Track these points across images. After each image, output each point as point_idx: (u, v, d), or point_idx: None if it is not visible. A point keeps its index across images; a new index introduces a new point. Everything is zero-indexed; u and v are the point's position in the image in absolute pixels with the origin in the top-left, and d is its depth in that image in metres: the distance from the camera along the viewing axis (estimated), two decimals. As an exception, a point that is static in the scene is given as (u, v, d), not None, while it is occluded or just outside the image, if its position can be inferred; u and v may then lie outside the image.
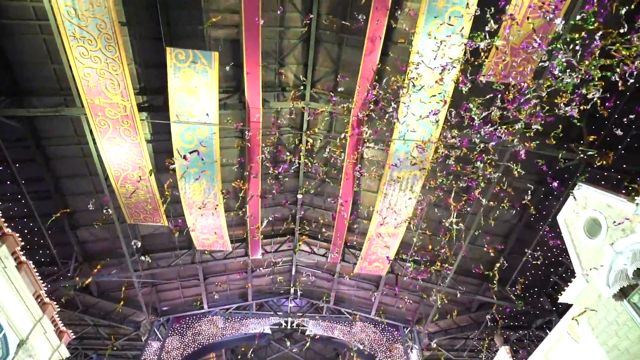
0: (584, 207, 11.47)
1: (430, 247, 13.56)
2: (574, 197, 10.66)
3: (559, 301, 13.40)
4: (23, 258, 13.45)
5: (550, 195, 14.89)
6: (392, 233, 15.99)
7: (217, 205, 14.91)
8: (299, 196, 15.72)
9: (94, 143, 13.14)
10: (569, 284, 12.45)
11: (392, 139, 12.67)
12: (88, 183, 15.30)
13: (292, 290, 23.09)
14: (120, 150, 12.92)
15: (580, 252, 12.11)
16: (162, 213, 14.95)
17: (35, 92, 12.83)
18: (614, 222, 10.68)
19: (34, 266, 13.98)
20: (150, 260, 16.56)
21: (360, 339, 21.70)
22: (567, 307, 13.45)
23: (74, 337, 16.50)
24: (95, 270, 16.33)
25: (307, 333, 21.70)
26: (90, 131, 12.80)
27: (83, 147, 14.17)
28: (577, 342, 13.02)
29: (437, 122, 12.16)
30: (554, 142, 10.53)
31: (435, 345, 21.53)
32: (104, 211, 13.80)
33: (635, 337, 10.47)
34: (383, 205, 15.00)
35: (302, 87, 14.22)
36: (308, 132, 15.07)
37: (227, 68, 12.78)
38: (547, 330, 14.91)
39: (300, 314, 22.72)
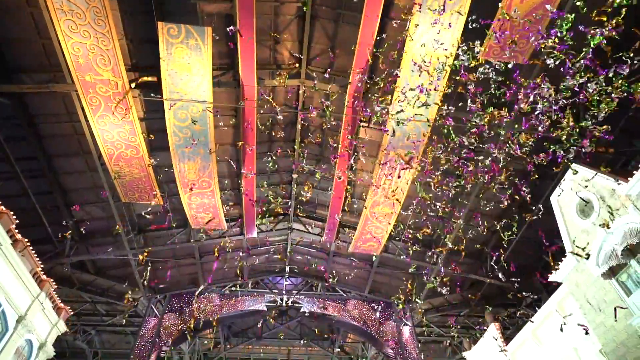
0: (578, 187, 11.55)
1: (428, 229, 13.56)
2: (574, 171, 10.69)
3: (549, 280, 13.68)
4: (19, 236, 13.46)
5: (544, 176, 14.97)
6: (386, 213, 16.10)
7: (212, 184, 14.88)
8: (294, 176, 15.69)
9: (86, 121, 12.97)
10: (559, 263, 12.65)
11: (388, 117, 12.56)
12: (81, 161, 15.17)
13: (286, 269, 23.40)
14: (113, 128, 12.77)
15: (572, 232, 12.26)
16: (157, 192, 14.91)
17: (24, 68, 12.54)
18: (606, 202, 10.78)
19: (29, 244, 14.02)
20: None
21: (354, 316, 22.15)
22: (557, 285, 13.75)
23: (72, 313, 16.74)
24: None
25: (301, 310, 22.10)
26: (82, 109, 12.61)
27: (75, 125, 13.97)
28: (564, 320, 13.37)
29: (433, 99, 12.03)
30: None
31: (426, 321, 22.04)
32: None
33: (621, 314, 10.74)
34: (378, 185, 15.04)
35: (297, 65, 13.98)
36: (303, 111, 14.92)
37: (221, 45, 12.51)
38: (537, 308, 15.28)
39: (295, 292, 23.09)
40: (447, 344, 20.02)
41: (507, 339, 17.12)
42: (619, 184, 10.57)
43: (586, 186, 11.38)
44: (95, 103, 12.18)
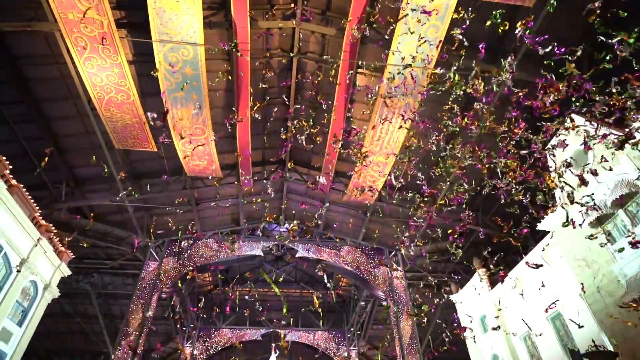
0: (573, 137, 11.51)
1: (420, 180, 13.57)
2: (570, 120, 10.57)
3: (537, 228, 14.07)
4: (14, 181, 13.44)
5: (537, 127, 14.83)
6: (381, 162, 16.12)
7: (206, 131, 14.67)
8: (289, 124, 15.45)
9: (73, 63, 12.43)
10: (548, 212, 12.90)
11: (386, 64, 12.15)
12: (71, 106, 14.77)
13: (282, 216, 23.86)
14: (101, 71, 12.29)
15: (564, 182, 12.36)
16: (150, 138, 14.71)
17: (2, 5, 11.76)
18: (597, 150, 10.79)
19: (25, 190, 14.05)
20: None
21: (348, 262, 22.97)
22: (544, 233, 14.18)
23: (73, 256, 17.20)
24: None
25: (297, 256, 22.83)
26: (68, 50, 12.03)
27: (62, 68, 13.42)
28: (550, 266, 13.95)
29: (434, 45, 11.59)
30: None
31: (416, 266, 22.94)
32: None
33: (604, 260, 11.19)
34: (374, 134, 14.91)
35: (292, 5, 13.23)
36: (299, 56, 14.37)
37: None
38: (523, 255, 15.87)
39: (291, 238, 23.69)
40: (436, 287, 20.95)
41: (493, 283, 17.99)
42: (614, 132, 10.52)
43: (582, 136, 11.32)
44: (81, 44, 11.60)
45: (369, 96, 13.88)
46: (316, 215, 18.85)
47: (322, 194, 20.01)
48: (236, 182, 19.29)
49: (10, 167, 13.21)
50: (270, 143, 17.61)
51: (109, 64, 12.11)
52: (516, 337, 15.90)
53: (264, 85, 13.61)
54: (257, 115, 12.84)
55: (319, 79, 14.57)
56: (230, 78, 13.62)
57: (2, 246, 13.29)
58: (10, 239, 13.44)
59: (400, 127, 13.52)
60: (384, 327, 27.88)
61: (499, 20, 8.23)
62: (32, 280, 14.94)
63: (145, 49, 12.86)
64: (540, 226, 13.86)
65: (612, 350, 10.61)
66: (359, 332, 31.19)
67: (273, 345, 29.69)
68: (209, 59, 13.38)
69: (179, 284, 22.05)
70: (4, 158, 13.03)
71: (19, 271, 13.78)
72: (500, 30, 8.72)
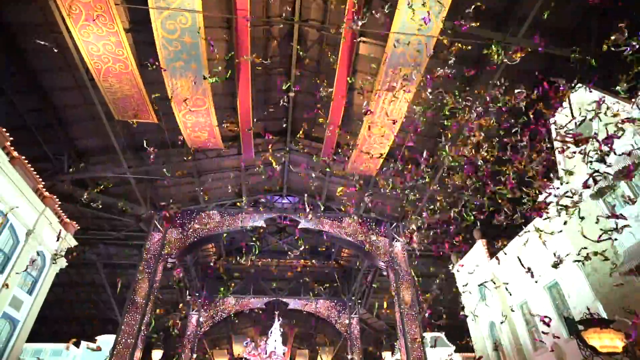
0: (579, 108, 11.35)
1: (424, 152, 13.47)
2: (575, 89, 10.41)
3: (538, 200, 14.10)
4: (15, 153, 13.45)
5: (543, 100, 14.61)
6: (384, 134, 15.98)
7: (206, 102, 14.49)
8: (291, 94, 15.23)
9: (68, 32, 12.12)
10: (549, 184, 12.87)
11: (390, 32, 11.81)
12: (69, 77, 14.52)
13: (284, 188, 23.97)
14: (97, 40, 11.99)
15: (566, 154, 12.29)
16: (150, 109, 14.56)
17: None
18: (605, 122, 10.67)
19: (27, 162, 14.08)
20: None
21: (349, 233, 23.25)
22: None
23: (78, 227, 17.46)
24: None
25: (299, 227, 23.07)
26: (63, 19, 11.70)
27: (57, 37, 13.10)
28: (549, 236, 14.06)
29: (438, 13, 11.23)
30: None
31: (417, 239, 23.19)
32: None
33: (602, 230, 11.23)
34: (377, 105, 14.71)
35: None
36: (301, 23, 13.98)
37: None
38: (523, 226, 15.99)
39: (294, 210, 23.92)
40: (437, 257, 21.28)
41: (492, 254, 18.25)
42: (621, 103, 10.37)
43: (588, 107, 11.17)
44: (75, 11, 11.26)
45: (372, 66, 13.63)
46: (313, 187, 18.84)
47: (324, 166, 19.98)
48: (238, 155, 19.27)
49: (11, 139, 13.18)
50: (272, 115, 17.44)
51: (105, 32, 11.80)
52: (513, 305, 16.29)
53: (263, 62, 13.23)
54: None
55: (320, 48, 14.23)
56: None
57: (8, 218, 13.47)
58: (15, 210, 13.59)
59: (407, 91, 13.23)
60: (385, 296, 28.54)
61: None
62: (39, 250, 15.24)
63: (142, 16, 12.50)
64: (541, 197, 13.88)
65: (607, 317, 10.88)
66: (360, 301, 32.04)
67: (276, 313, 30.61)
68: (208, 27, 13.03)
69: (184, 255, 22.47)
70: (4, 130, 12.99)
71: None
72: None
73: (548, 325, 12.05)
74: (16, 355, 14.31)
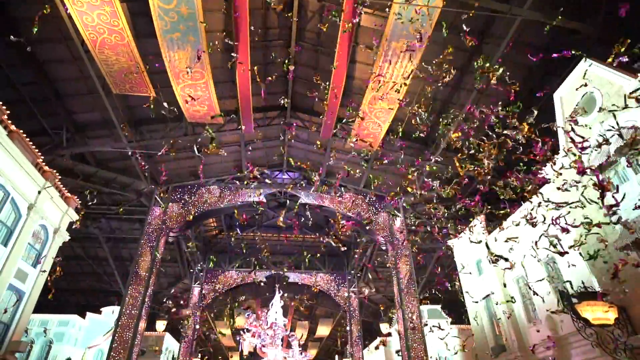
0: (584, 83, 11.16)
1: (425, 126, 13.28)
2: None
3: (539, 176, 14.07)
4: (13, 127, 13.32)
5: (549, 73, 14.36)
6: (385, 108, 15.80)
7: (204, 75, 14.25)
8: (291, 67, 14.93)
9: (62, 2, 11.77)
10: (548, 163, 12.82)
11: (392, 1, 11.47)
12: (64, 49, 14.23)
13: (284, 163, 23.93)
14: (92, 10, 11.66)
15: (569, 129, 12.20)
16: (147, 82, 14.33)
17: None
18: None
19: (26, 136, 13.96)
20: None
21: (349, 208, 23.39)
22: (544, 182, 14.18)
23: (79, 202, 17.52)
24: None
25: (299, 202, 23.18)
26: (55, -13, 11.35)
27: (50, 7, 12.71)
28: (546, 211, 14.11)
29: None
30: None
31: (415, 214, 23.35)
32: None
33: (599, 205, 11.27)
34: (378, 79, 14.46)
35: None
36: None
37: None
38: (522, 202, 16.04)
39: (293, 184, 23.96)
40: (435, 233, 21.48)
41: (491, 231, 18.40)
42: (627, 79, 10.19)
43: (593, 82, 10.99)
44: (68, -21, 10.90)
45: (374, 39, 13.29)
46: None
47: (325, 140, 19.87)
48: (238, 129, 19.10)
49: (8, 112, 13.02)
50: (271, 88, 17.18)
51: (99, 1, 11.46)
52: (509, 279, 16.56)
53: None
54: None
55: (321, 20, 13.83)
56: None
57: (9, 192, 13.50)
58: (16, 185, 13.60)
59: (410, 63, 12.94)
60: (383, 271, 29.02)
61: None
62: (41, 224, 15.36)
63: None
64: (542, 174, 13.85)
65: (601, 291, 11.07)
66: (359, 275, 32.61)
67: (277, 286, 31.23)
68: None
69: (185, 230, 22.67)
70: (0, 103, 12.81)
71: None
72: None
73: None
74: (23, 326, 14.68)
